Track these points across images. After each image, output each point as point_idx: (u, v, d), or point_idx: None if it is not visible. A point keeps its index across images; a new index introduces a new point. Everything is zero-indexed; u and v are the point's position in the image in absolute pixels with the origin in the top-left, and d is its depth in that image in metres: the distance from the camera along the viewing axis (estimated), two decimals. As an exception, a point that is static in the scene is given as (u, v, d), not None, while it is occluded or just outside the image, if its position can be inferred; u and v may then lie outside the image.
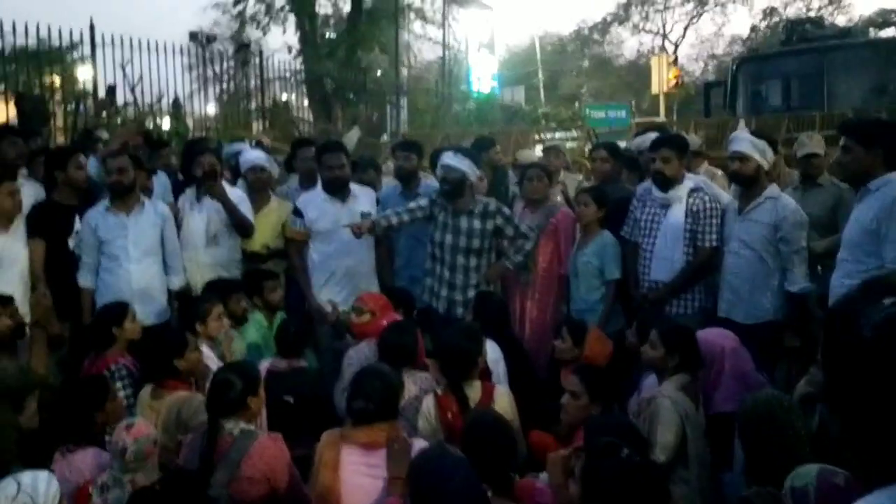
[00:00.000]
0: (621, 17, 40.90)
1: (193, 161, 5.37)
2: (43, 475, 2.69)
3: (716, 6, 39.64)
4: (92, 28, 11.14)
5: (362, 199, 5.46)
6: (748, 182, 4.70)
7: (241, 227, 5.29)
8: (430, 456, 2.68)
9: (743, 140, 4.77)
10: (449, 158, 5.11)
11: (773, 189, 4.70)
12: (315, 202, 5.39)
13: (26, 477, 2.63)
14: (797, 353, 4.53)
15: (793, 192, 5.12)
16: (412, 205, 5.27)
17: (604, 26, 41.91)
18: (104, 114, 10.01)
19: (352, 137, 6.98)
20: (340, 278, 5.32)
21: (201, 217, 5.26)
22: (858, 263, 3.80)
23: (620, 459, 2.47)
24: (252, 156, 5.76)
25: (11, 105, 11.14)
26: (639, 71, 37.27)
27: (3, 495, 2.58)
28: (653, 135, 5.52)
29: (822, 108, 10.96)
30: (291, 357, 4.37)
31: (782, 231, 4.56)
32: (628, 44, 42.79)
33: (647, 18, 40.71)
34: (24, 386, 3.64)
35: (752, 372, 3.83)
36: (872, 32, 13.34)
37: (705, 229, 4.81)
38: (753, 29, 39.96)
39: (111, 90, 8.57)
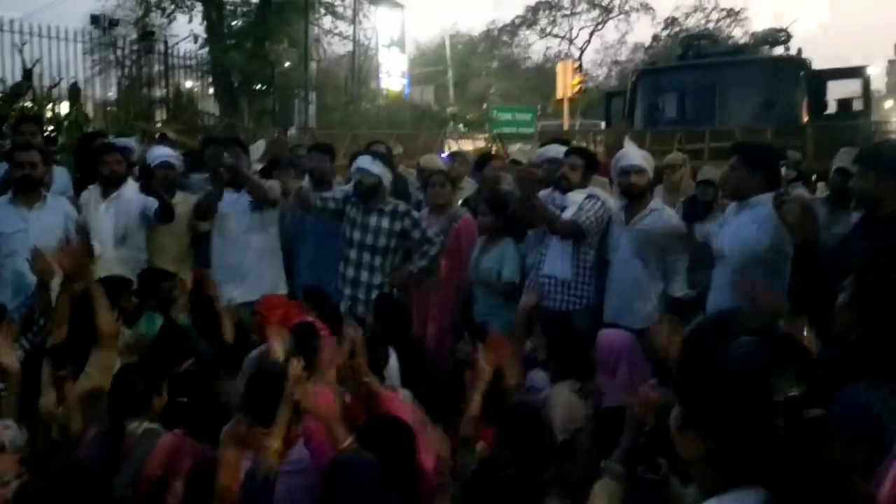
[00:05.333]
0: (530, 20, 41.62)
1: (98, 160, 5.34)
2: None
3: (620, 14, 40.89)
4: (-13, 10, 10.79)
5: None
6: (640, 194, 4.98)
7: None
8: (346, 458, 2.77)
9: (635, 155, 5.06)
10: (365, 163, 5.24)
11: (656, 201, 5.01)
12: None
13: None
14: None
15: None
16: (327, 194, 5.40)
17: (513, 28, 42.55)
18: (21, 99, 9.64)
19: (258, 148, 7.00)
20: (234, 273, 5.35)
21: (109, 216, 5.23)
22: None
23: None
24: (160, 152, 5.73)
25: None
26: (545, 74, 38.01)
27: None
28: (556, 146, 5.82)
29: (714, 123, 11.50)
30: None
31: (667, 240, 4.85)
32: (536, 47, 43.55)
33: (554, 23, 41.60)
34: None
35: (646, 371, 4.07)
36: (764, 50, 14.01)
37: (583, 211, 5.00)
38: (655, 38, 41.40)
39: (28, 73, 8.24)
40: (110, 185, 5.32)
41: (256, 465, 3.05)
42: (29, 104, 11.89)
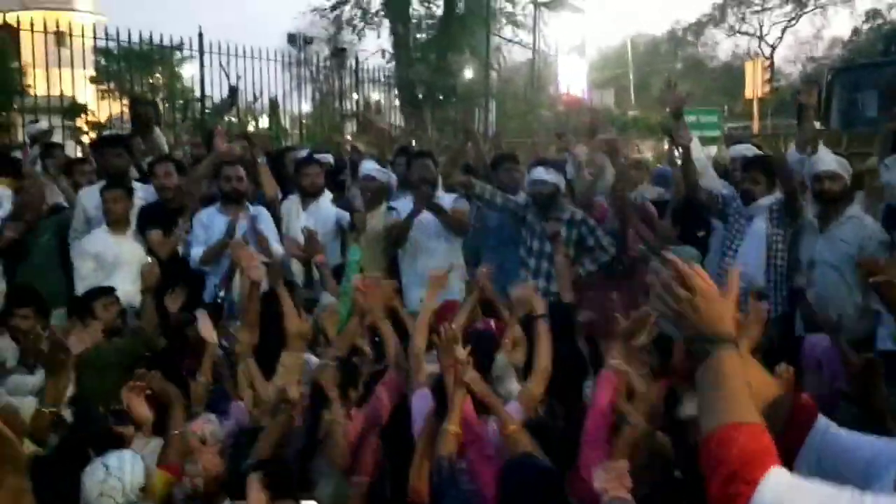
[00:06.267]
0: (716, 18, 40.06)
1: (299, 172, 5.79)
2: (128, 455, 2.82)
3: (816, 8, 38.49)
4: (200, 36, 11.87)
5: (447, 203, 5.68)
6: (835, 200, 4.75)
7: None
8: (519, 463, 2.83)
9: (830, 160, 4.84)
10: (539, 173, 5.29)
11: (853, 208, 4.76)
12: (406, 207, 5.68)
13: (112, 459, 2.77)
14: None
15: None
16: (511, 196, 5.48)
17: (698, 27, 41.12)
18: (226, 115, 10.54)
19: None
20: (420, 278, 5.46)
21: (308, 224, 5.52)
22: None
23: None
24: (366, 166, 6.05)
25: (122, 103, 11.93)
26: (733, 73, 36.45)
27: (92, 480, 2.71)
28: (748, 146, 5.69)
29: (920, 123, 10.58)
30: None
31: (868, 250, 4.56)
32: (723, 45, 41.73)
33: (743, 20, 39.81)
34: (135, 351, 4.06)
35: (840, 377, 3.91)
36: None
37: None
38: (855, 32, 38.63)
39: (233, 91, 8.96)
40: (309, 196, 5.71)
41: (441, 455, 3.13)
42: (234, 119, 12.97)
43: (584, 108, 20.08)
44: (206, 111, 12.73)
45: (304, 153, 6.86)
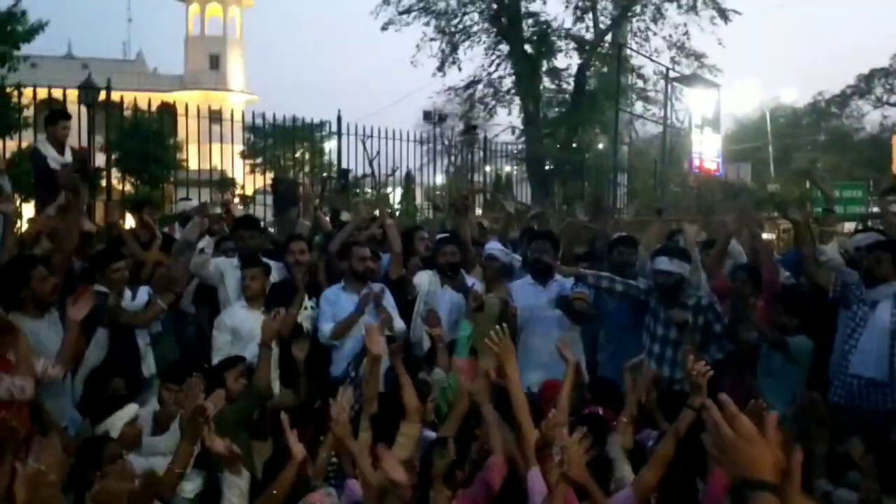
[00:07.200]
0: (862, 89, 38.47)
1: (437, 251, 6.06)
2: None
3: (974, 77, 36.37)
4: (339, 119, 12.62)
5: (566, 284, 5.70)
6: None
7: None
8: None
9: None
10: (663, 263, 5.20)
11: None
12: (522, 287, 5.77)
13: None
14: None
15: None
16: (632, 282, 5.45)
17: (843, 99, 39.57)
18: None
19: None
20: (535, 358, 5.48)
21: (447, 301, 5.74)
22: None
23: None
24: (489, 245, 6.26)
25: (266, 177, 12.76)
26: (881, 146, 34.82)
27: None
28: (873, 235, 5.55)
29: None
30: None
31: None
32: (870, 117, 39.88)
33: (891, 91, 38.04)
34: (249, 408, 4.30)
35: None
36: None
37: None
38: None
39: (345, 172, 9.51)
40: (448, 272, 5.90)
41: None
42: (368, 191, 13.60)
43: (717, 182, 19.67)
44: (344, 184, 13.38)
45: (424, 232, 7.09)
